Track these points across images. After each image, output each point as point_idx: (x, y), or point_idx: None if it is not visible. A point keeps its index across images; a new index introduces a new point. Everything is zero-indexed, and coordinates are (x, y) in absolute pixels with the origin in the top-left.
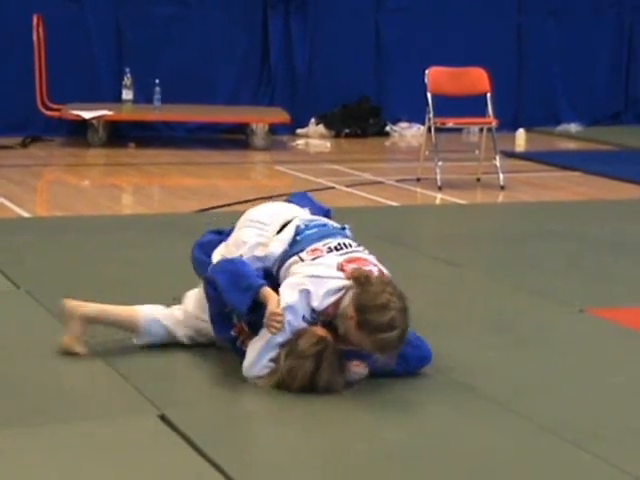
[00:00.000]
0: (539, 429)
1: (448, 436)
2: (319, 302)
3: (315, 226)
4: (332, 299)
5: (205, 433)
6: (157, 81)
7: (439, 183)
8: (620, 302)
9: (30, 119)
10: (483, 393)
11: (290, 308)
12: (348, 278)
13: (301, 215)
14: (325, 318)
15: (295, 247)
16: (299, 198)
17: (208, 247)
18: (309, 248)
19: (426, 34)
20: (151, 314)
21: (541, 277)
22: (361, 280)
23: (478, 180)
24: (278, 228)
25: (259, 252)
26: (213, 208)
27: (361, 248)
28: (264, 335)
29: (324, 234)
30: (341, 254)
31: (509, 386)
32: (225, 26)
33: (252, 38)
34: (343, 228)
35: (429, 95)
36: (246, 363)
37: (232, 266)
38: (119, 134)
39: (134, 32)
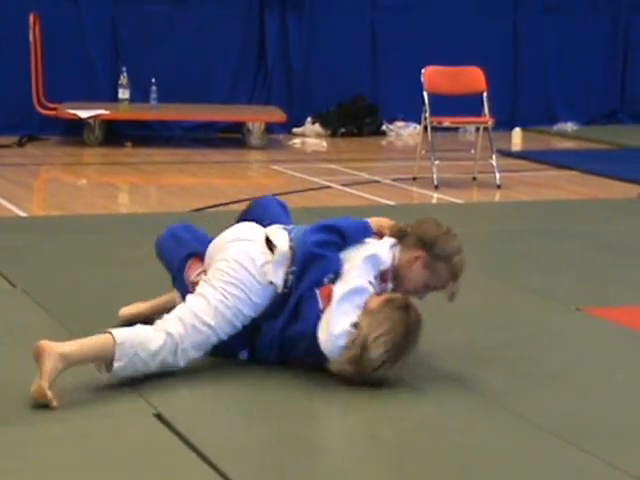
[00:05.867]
0: (536, 428)
1: (444, 434)
2: (386, 258)
3: (293, 228)
4: (392, 254)
5: (201, 432)
6: (153, 80)
7: (435, 182)
8: (617, 301)
9: (26, 118)
10: (479, 391)
11: (361, 289)
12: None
13: (270, 227)
14: (381, 283)
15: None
16: (264, 207)
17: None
18: None
19: (422, 33)
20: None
21: (538, 276)
22: (401, 231)
23: (474, 179)
24: (263, 241)
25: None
26: (210, 207)
27: None
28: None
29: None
30: None
31: (505, 384)
32: (221, 25)
33: (248, 37)
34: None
35: (425, 94)
36: (325, 333)
37: None
38: (115, 133)
39: (130, 31)
